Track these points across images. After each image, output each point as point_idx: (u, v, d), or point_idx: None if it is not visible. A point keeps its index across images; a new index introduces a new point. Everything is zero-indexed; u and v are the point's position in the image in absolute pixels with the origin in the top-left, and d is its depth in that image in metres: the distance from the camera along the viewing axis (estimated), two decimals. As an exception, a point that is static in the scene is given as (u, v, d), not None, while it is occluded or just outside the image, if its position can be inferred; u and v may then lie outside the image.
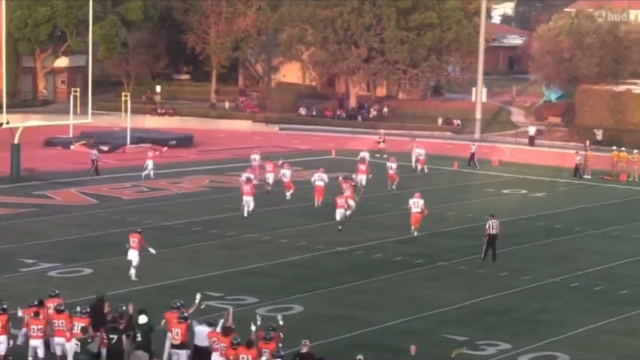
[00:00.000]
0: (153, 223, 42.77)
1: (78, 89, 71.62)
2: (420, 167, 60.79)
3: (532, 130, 78.21)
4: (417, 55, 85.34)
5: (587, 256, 39.85)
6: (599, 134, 73.63)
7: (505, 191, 55.62)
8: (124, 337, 24.09)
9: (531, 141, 77.12)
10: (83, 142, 66.68)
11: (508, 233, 40.51)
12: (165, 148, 62.50)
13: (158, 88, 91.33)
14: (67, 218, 43.85)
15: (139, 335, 24.13)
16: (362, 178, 52.36)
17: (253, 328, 23.77)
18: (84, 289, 31.35)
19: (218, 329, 23.97)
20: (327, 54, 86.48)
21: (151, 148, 59.04)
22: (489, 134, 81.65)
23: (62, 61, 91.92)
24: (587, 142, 69.36)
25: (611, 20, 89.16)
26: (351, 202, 44.73)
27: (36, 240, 39.20)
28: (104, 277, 33.65)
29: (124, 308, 25.09)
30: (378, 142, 66.75)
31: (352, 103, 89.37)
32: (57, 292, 26.33)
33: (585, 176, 60.92)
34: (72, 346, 24.40)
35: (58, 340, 24.69)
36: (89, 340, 24.27)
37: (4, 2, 54.05)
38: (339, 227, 42.33)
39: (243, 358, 22.80)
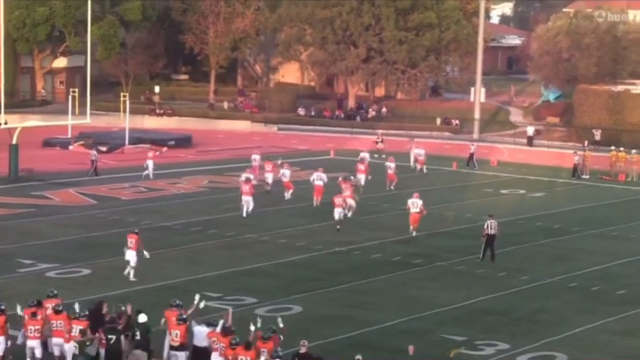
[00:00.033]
0: (152, 223, 42.77)
1: (76, 89, 71.65)
2: (419, 167, 60.85)
3: (530, 130, 78.23)
4: (415, 55, 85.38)
5: (585, 256, 39.87)
6: (597, 134, 73.65)
7: (504, 191, 55.64)
8: (122, 337, 24.12)
9: (530, 141, 77.13)
10: (82, 142, 66.66)
11: (506, 233, 40.53)
12: (165, 148, 62.56)
13: (157, 89, 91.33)
14: (66, 219, 43.84)
15: (138, 333, 24.15)
16: (361, 178, 52.46)
17: (252, 328, 23.78)
18: (82, 289, 31.37)
19: (218, 329, 23.98)
20: (325, 54, 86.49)
21: (151, 149, 59.05)
22: (488, 134, 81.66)
23: (61, 62, 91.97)
24: (586, 142, 69.37)
25: (610, 20, 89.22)
26: (352, 202, 44.84)
27: (34, 240, 39.18)
28: (102, 277, 33.65)
29: (122, 308, 25.12)
30: (377, 143, 66.78)
31: (351, 103, 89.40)
32: (55, 292, 26.33)
33: (584, 176, 60.95)
34: (71, 348, 24.40)
35: (56, 340, 24.68)
36: (87, 343, 24.29)
37: (2, 2, 53.91)
38: (338, 227, 42.35)
39: (241, 359, 22.80)
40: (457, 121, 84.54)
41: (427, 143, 66.59)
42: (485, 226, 37.84)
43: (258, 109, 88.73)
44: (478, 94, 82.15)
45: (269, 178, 51.17)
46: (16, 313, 25.18)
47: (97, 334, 24.32)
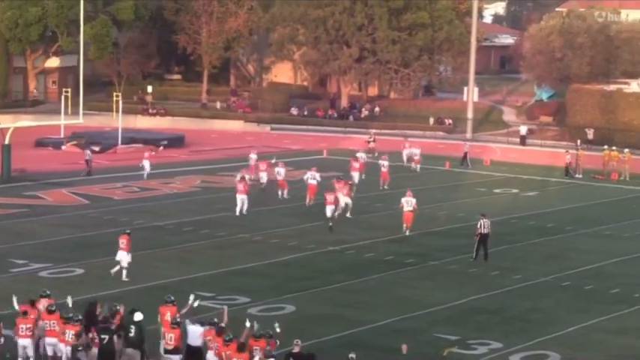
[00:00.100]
0: (144, 223, 42.73)
1: (69, 89, 71.61)
2: (413, 166, 60.96)
3: (523, 130, 78.29)
4: (408, 54, 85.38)
5: (578, 255, 39.90)
6: (590, 133, 73.72)
7: (496, 190, 55.67)
8: (115, 337, 24.08)
9: (523, 140, 77.19)
10: (74, 142, 66.56)
11: (499, 232, 40.55)
12: (161, 148, 62.53)
13: (149, 88, 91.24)
14: (58, 218, 43.78)
15: (133, 332, 24.11)
16: (355, 176, 52.52)
17: (248, 324, 23.77)
18: (75, 289, 31.24)
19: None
20: (318, 54, 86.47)
21: (148, 148, 58.93)
22: (481, 134, 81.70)
23: (53, 62, 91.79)
24: (579, 142, 69.42)
25: (602, 20, 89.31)
26: (348, 200, 44.88)
27: (27, 240, 39.12)
28: (95, 277, 33.60)
29: (117, 307, 25.09)
30: (368, 142, 66.80)
31: (344, 102, 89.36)
32: (48, 292, 26.28)
33: (577, 175, 61.01)
34: (67, 349, 24.32)
35: (49, 340, 24.63)
36: (79, 348, 24.24)
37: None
38: (330, 224, 42.35)
39: (234, 361, 22.85)
40: (450, 121, 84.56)
41: (420, 143, 66.58)
42: (478, 226, 37.85)
43: (250, 109, 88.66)
44: (471, 94, 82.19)
45: (263, 177, 51.24)
46: (13, 312, 25.16)
47: (90, 334, 24.27)
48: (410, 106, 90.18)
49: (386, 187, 53.49)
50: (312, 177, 48.07)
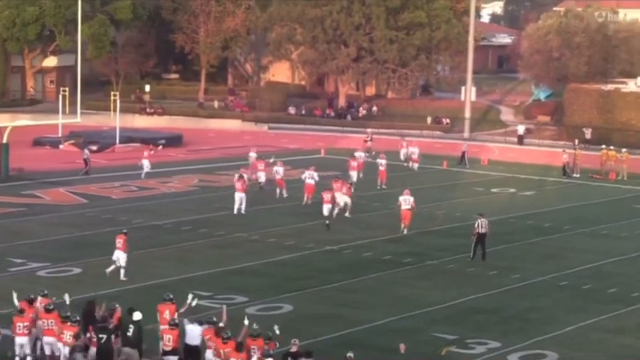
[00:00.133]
0: (142, 222, 42.73)
1: (67, 88, 71.60)
2: (411, 165, 61.03)
3: (521, 129, 78.32)
4: (406, 54, 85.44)
5: (576, 254, 39.90)
6: (588, 133, 73.73)
7: (494, 190, 55.68)
8: (112, 336, 24.08)
9: (520, 140, 77.22)
10: (72, 141, 66.56)
11: (497, 232, 40.53)
12: (160, 147, 62.52)
13: (147, 88, 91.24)
14: (56, 218, 43.77)
15: (131, 331, 24.11)
16: (353, 174, 52.57)
17: (247, 322, 23.77)
18: (73, 288, 31.18)
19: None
20: (316, 53, 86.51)
21: (147, 148, 58.93)
22: (478, 133, 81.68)
23: (51, 61, 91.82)
24: (576, 141, 69.37)
25: (600, 19, 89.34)
26: (348, 199, 44.93)
27: (25, 239, 39.11)
28: (93, 276, 33.57)
29: (116, 306, 25.08)
30: (366, 141, 66.81)
31: (341, 102, 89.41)
32: (46, 292, 26.27)
33: (574, 175, 61.03)
34: (66, 349, 24.31)
35: (47, 339, 24.62)
36: (76, 350, 24.22)
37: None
38: (327, 222, 42.37)
39: (232, 361, 22.87)
40: (448, 120, 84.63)
41: (418, 142, 66.55)
42: (476, 225, 37.84)
43: (248, 108, 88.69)
44: (469, 93, 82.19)
45: (262, 176, 51.24)
46: (13, 310, 25.17)
47: (88, 334, 24.27)
48: (407, 106, 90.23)
49: (384, 186, 53.52)
50: (310, 176, 48.12)
